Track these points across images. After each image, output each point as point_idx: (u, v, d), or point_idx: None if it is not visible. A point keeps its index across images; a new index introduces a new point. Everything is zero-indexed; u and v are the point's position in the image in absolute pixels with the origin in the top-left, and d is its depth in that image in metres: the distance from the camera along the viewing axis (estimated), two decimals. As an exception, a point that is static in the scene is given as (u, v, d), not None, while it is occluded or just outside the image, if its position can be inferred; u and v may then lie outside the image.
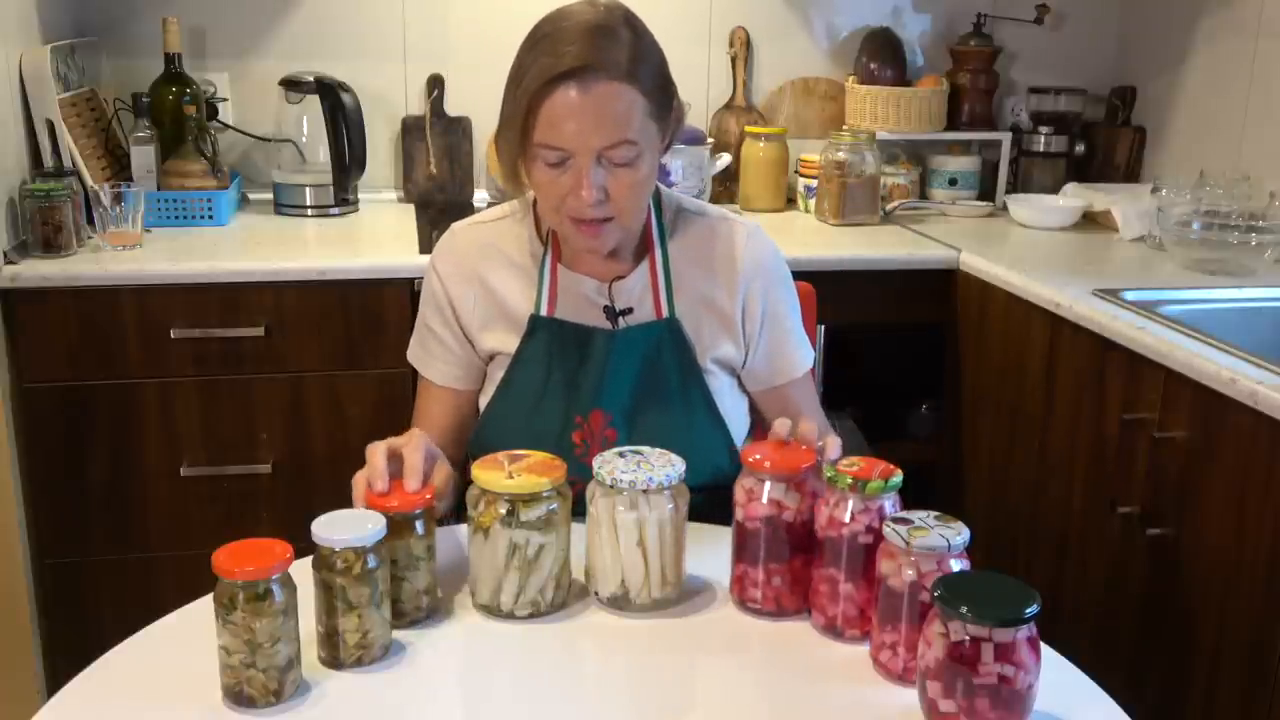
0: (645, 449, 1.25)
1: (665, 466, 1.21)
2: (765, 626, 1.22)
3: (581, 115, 1.32)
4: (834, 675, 1.13)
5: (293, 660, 1.07)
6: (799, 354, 1.56)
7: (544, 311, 1.48)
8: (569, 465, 1.22)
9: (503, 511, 1.18)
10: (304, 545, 1.11)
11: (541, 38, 1.35)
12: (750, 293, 1.52)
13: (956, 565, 1.08)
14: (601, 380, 1.46)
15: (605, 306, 1.49)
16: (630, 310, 1.49)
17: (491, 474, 1.19)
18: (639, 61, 1.34)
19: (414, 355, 1.58)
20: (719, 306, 1.51)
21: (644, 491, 1.19)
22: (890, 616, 1.10)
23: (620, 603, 1.23)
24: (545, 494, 1.18)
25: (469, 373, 1.54)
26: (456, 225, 1.57)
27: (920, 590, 1.07)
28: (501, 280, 1.51)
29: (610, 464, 1.22)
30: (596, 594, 1.25)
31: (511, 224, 1.53)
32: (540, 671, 1.15)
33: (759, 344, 1.54)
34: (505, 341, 1.50)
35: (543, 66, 1.32)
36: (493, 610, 1.22)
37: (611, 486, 1.20)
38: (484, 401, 1.53)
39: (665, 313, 1.48)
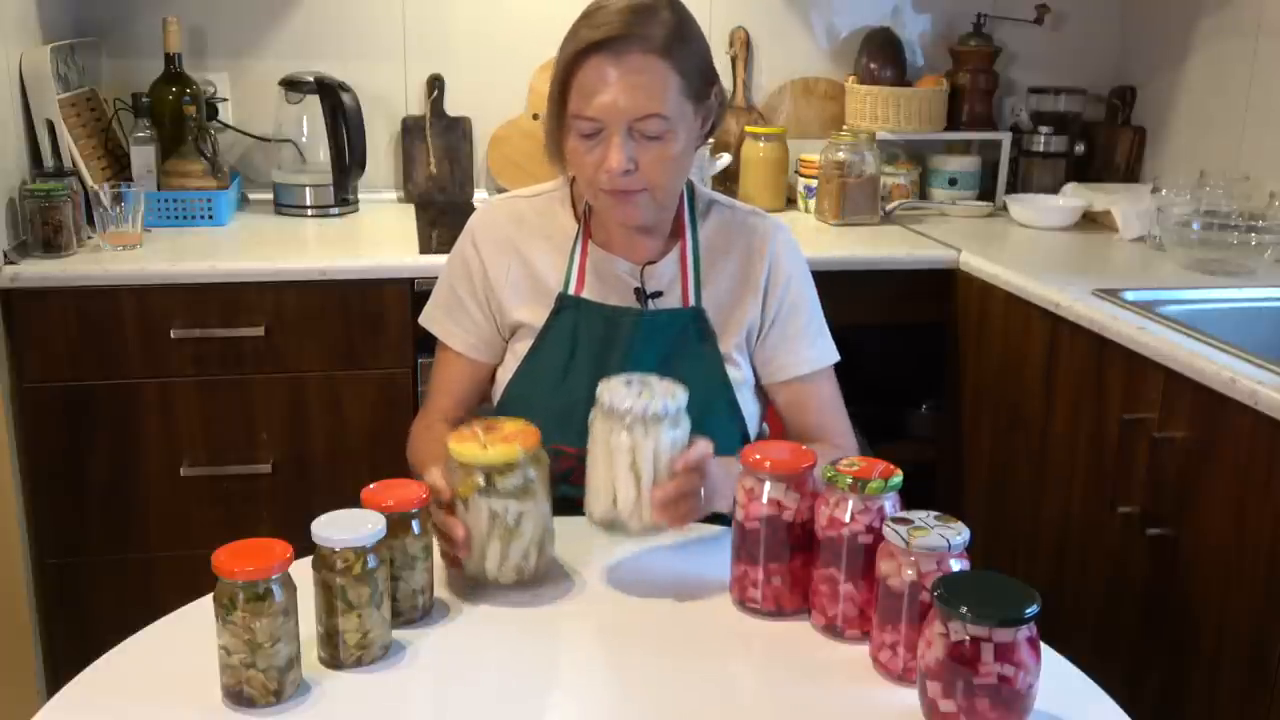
0: (652, 377, 1.26)
1: (666, 396, 1.22)
2: (765, 626, 1.22)
3: (613, 86, 1.36)
4: (834, 675, 1.13)
5: (293, 660, 1.08)
6: (812, 350, 1.57)
7: (572, 290, 1.51)
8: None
9: (480, 482, 1.20)
10: (304, 545, 1.11)
11: (587, 13, 1.40)
12: (771, 287, 1.55)
13: (956, 565, 1.08)
14: (626, 360, 1.47)
15: (636, 289, 1.52)
16: (660, 294, 1.52)
17: (466, 446, 1.20)
18: (677, 40, 1.39)
19: (432, 318, 1.59)
20: (743, 299, 1.54)
21: (641, 418, 1.20)
22: (890, 616, 1.10)
23: (613, 525, 1.25)
24: (519, 462, 1.20)
25: (490, 346, 1.56)
26: (495, 197, 1.62)
27: (920, 590, 1.07)
28: (537, 253, 1.54)
29: (612, 389, 1.23)
30: (591, 514, 1.27)
31: (549, 201, 1.57)
32: (540, 671, 1.15)
33: (769, 336, 1.56)
34: (534, 315, 1.52)
35: (580, 38, 1.37)
36: (479, 579, 1.24)
37: (610, 410, 1.21)
38: (505, 377, 1.54)
39: (692, 301, 1.51)
